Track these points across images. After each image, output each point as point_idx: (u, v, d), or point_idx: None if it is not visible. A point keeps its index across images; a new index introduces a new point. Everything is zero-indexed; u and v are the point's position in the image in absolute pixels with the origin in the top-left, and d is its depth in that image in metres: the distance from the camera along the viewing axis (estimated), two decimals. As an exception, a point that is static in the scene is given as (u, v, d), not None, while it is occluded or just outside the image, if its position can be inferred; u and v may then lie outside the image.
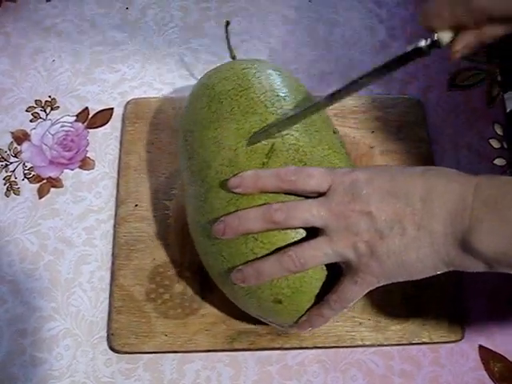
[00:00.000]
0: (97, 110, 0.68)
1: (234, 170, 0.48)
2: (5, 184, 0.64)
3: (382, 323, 0.57)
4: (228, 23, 0.60)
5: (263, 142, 0.48)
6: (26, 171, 0.65)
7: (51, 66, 0.71)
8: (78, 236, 0.62)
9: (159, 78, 0.70)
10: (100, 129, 0.67)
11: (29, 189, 0.64)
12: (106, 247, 0.61)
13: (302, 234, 0.46)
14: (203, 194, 0.49)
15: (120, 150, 0.65)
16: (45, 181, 0.64)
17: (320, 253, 0.45)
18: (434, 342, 0.56)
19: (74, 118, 0.68)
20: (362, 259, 0.44)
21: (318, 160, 0.48)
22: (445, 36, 0.44)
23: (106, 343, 0.57)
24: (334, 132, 0.53)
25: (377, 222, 0.43)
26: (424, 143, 0.65)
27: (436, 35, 0.43)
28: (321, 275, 0.47)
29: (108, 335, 0.57)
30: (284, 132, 0.49)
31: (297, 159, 0.48)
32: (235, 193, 0.47)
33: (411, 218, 0.43)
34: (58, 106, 0.69)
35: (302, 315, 0.48)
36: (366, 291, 0.46)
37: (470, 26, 0.45)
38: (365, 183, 0.44)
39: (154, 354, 0.56)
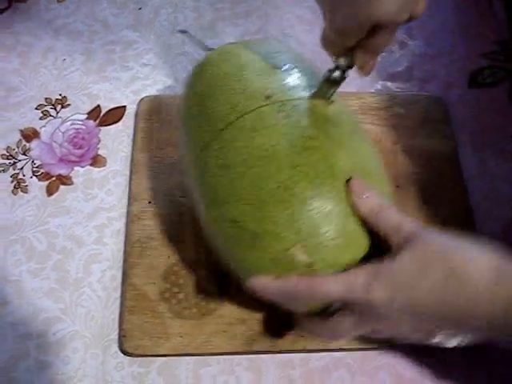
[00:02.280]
0: (109, 108, 0.66)
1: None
2: (12, 181, 0.62)
3: (410, 324, 0.53)
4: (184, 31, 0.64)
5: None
6: (34, 169, 0.63)
7: (62, 65, 0.70)
8: (89, 234, 0.59)
9: (173, 76, 0.69)
10: (112, 126, 0.65)
11: (37, 186, 0.61)
12: (118, 245, 0.58)
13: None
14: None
15: (132, 148, 0.63)
16: (54, 178, 0.62)
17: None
18: (465, 345, 0.53)
19: (86, 115, 0.66)
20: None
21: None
22: (341, 61, 0.46)
23: (116, 345, 0.53)
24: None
25: (406, 332, 0.43)
26: (449, 140, 0.63)
27: (335, 62, 0.46)
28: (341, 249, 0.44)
29: (119, 337, 0.54)
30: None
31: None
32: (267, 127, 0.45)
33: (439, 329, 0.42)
34: (69, 104, 0.67)
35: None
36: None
37: (358, 46, 0.45)
38: (384, 307, 0.41)
39: (168, 357, 0.53)
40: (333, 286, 0.41)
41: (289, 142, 0.45)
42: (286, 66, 0.50)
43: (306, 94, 0.48)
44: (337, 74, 0.46)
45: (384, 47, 0.46)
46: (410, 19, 0.43)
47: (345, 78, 0.47)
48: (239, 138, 0.46)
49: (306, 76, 0.50)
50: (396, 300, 0.40)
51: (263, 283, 0.44)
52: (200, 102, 0.52)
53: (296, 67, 0.51)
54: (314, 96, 0.48)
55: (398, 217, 0.43)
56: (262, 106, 0.47)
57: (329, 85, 0.47)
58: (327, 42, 0.46)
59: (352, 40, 0.44)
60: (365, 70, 0.47)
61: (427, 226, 0.43)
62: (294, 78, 0.49)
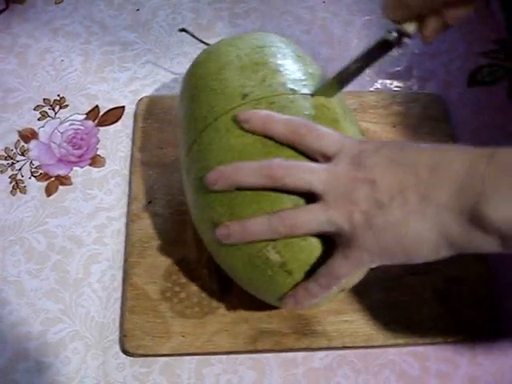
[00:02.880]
0: (107, 108, 0.66)
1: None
2: (11, 182, 0.61)
3: (414, 321, 0.53)
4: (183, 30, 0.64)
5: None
6: (33, 169, 0.62)
7: (60, 66, 0.69)
8: (88, 234, 0.58)
9: (172, 76, 0.68)
10: (111, 126, 0.65)
11: (36, 187, 0.61)
12: (118, 245, 0.57)
13: (299, 201, 0.42)
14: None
15: (132, 148, 0.63)
16: (53, 179, 0.61)
17: (312, 218, 0.41)
18: (471, 340, 0.53)
19: (84, 116, 0.66)
20: (356, 231, 0.40)
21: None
22: (409, 27, 0.44)
23: (118, 346, 0.53)
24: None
25: (378, 191, 0.39)
26: (449, 139, 0.63)
27: (401, 26, 0.44)
28: (314, 247, 0.43)
29: (120, 337, 0.53)
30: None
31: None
32: (242, 128, 0.44)
33: (415, 188, 0.39)
34: (67, 105, 0.66)
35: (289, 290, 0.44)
36: (357, 269, 0.42)
37: (431, 13, 0.44)
38: (372, 152, 0.41)
39: (170, 357, 0.52)
40: (328, 131, 0.43)
41: (261, 142, 0.44)
42: (270, 61, 0.49)
43: (284, 89, 0.47)
44: (394, 35, 0.44)
45: (459, 20, 0.45)
46: None
47: (401, 44, 0.45)
48: (215, 140, 0.46)
49: (289, 70, 0.49)
50: (385, 149, 0.41)
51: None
52: (187, 105, 0.51)
53: (280, 61, 0.50)
54: (338, 76, 0.48)
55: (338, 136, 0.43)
56: (237, 106, 0.46)
57: (379, 48, 0.45)
58: (401, 5, 0.43)
59: (436, 3, 0.43)
60: (431, 39, 0.45)
61: None
62: (275, 74, 0.48)
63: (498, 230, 0.36)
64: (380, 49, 0.45)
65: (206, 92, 0.49)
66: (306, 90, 0.47)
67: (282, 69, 0.49)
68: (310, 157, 0.43)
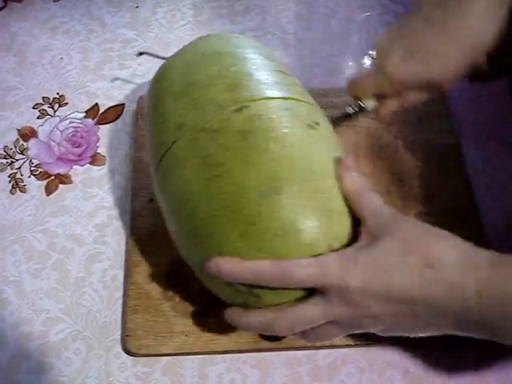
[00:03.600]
0: (107, 106, 0.66)
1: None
2: (10, 181, 0.61)
3: (418, 319, 0.53)
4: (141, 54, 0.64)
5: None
6: (32, 168, 0.62)
7: (59, 64, 0.69)
8: (89, 233, 0.58)
9: (171, 74, 0.68)
10: (111, 124, 0.65)
11: (36, 186, 0.61)
12: (119, 244, 0.57)
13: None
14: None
15: (132, 145, 0.62)
16: (53, 177, 0.61)
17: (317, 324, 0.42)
18: (475, 338, 0.52)
19: (84, 114, 0.65)
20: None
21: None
22: (369, 104, 0.52)
23: (120, 346, 0.52)
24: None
25: (381, 323, 0.41)
26: (451, 135, 0.62)
27: (362, 103, 0.52)
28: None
29: (122, 337, 0.53)
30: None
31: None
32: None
33: (417, 319, 0.40)
34: (67, 103, 0.66)
35: None
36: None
37: (391, 95, 0.50)
38: (360, 293, 0.40)
39: (172, 357, 0.52)
40: (308, 269, 0.40)
41: (198, 176, 0.43)
42: (205, 82, 0.47)
43: (221, 112, 0.44)
44: (354, 110, 0.53)
45: (411, 104, 0.51)
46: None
47: (358, 115, 0.54)
48: (164, 180, 0.46)
49: (222, 90, 0.46)
50: (373, 284, 0.39)
51: (230, 264, 0.41)
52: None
53: (217, 79, 0.47)
54: None
55: (379, 202, 0.43)
56: (174, 142, 0.45)
57: (343, 118, 0.53)
58: (364, 84, 0.50)
59: (400, 89, 0.49)
60: (386, 119, 0.53)
61: (405, 216, 0.43)
62: (208, 96, 0.46)
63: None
64: (343, 117, 0.54)
65: (153, 124, 0.49)
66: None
67: (216, 89, 0.46)
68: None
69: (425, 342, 0.52)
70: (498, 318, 0.38)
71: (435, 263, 0.39)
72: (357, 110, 0.51)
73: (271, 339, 0.51)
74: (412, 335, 0.43)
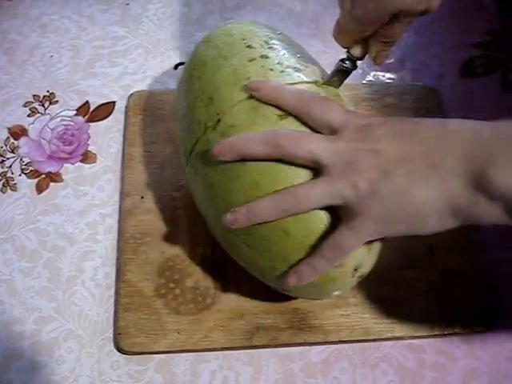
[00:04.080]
0: (98, 104, 0.65)
1: None
2: (1, 180, 0.60)
3: (410, 314, 0.53)
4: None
5: None
6: (23, 166, 0.61)
7: (49, 62, 0.68)
8: (80, 232, 0.57)
9: (163, 71, 0.68)
10: (102, 122, 0.64)
11: (26, 184, 0.60)
12: (111, 242, 0.57)
13: (305, 176, 0.42)
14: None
15: (123, 143, 0.62)
16: (44, 176, 0.61)
17: (318, 193, 0.40)
18: (467, 333, 0.52)
19: (74, 112, 0.65)
20: (361, 200, 0.39)
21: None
22: (355, 51, 0.48)
23: (112, 344, 0.52)
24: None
25: (384, 159, 0.39)
26: (442, 129, 0.62)
27: (349, 52, 0.48)
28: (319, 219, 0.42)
29: (115, 335, 0.52)
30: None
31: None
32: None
33: (422, 157, 0.39)
34: (57, 101, 0.65)
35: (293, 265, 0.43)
36: (364, 241, 0.41)
37: (371, 36, 0.46)
38: (378, 125, 0.41)
39: (165, 354, 0.52)
40: (335, 106, 0.43)
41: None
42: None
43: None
44: (348, 63, 0.48)
45: (399, 37, 0.47)
46: (425, 12, 0.44)
47: (356, 67, 0.48)
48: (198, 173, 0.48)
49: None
50: (394, 121, 0.41)
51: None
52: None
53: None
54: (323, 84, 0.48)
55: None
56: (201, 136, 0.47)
57: (339, 75, 0.48)
58: (342, 32, 0.47)
59: (370, 29, 0.45)
60: (379, 60, 0.48)
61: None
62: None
63: (503, 197, 0.37)
64: (341, 75, 0.49)
65: (183, 121, 0.50)
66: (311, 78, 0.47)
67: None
68: (316, 130, 0.43)
69: (417, 337, 0.52)
70: (506, 144, 0.37)
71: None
72: (347, 62, 0.48)
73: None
74: (404, 203, 0.39)
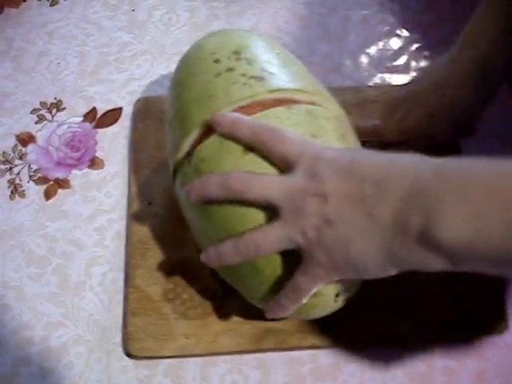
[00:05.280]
0: (105, 110, 0.66)
1: None
2: (9, 187, 0.61)
3: (419, 317, 0.52)
4: None
5: None
6: (31, 173, 0.62)
7: (56, 69, 0.69)
8: (89, 237, 0.58)
9: (169, 76, 0.67)
10: (109, 128, 0.64)
11: (35, 191, 0.61)
12: (119, 248, 0.57)
13: (261, 218, 0.42)
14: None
15: (130, 148, 0.62)
16: (52, 182, 0.61)
17: (274, 238, 0.41)
18: (477, 335, 0.52)
19: (81, 118, 0.65)
20: (310, 247, 0.40)
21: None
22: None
23: (121, 349, 0.52)
24: None
25: (328, 207, 0.39)
26: (449, 131, 0.62)
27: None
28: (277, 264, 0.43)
29: (123, 340, 0.53)
30: None
31: None
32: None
33: (361, 205, 0.38)
34: (65, 108, 0.66)
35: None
36: (317, 285, 0.42)
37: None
38: (327, 163, 0.40)
39: (174, 359, 0.52)
40: (290, 137, 0.43)
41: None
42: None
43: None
44: None
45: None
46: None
47: None
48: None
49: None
50: (341, 158, 0.40)
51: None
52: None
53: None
54: None
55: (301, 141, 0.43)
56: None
57: None
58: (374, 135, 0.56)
59: (402, 138, 0.56)
60: None
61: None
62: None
63: (446, 250, 0.36)
64: None
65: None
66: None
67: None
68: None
69: (427, 340, 0.52)
70: (448, 191, 0.35)
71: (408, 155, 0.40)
72: None
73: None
74: (349, 250, 0.39)
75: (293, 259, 0.42)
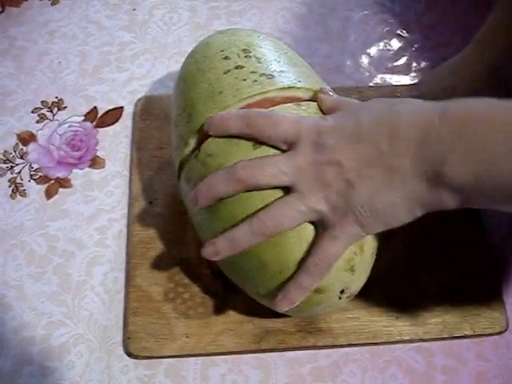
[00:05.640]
0: (106, 110, 0.66)
1: None
2: (10, 186, 0.61)
3: (419, 317, 0.52)
4: None
5: None
6: (32, 172, 0.62)
7: (57, 68, 0.69)
8: (90, 237, 0.58)
9: (170, 75, 0.68)
10: (110, 128, 0.64)
11: (36, 190, 0.61)
12: (120, 247, 0.57)
13: (277, 194, 0.42)
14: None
15: (132, 148, 0.62)
16: (53, 181, 0.61)
17: (294, 211, 0.41)
18: (477, 335, 0.52)
19: (83, 117, 0.65)
20: (336, 211, 0.40)
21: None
22: None
23: (122, 348, 0.52)
24: None
25: (345, 170, 0.40)
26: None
27: None
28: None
29: (124, 339, 0.53)
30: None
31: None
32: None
33: (378, 160, 0.39)
34: (66, 107, 0.66)
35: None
36: (348, 245, 0.42)
37: None
38: (330, 133, 0.41)
39: (174, 358, 0.52)
40: (284, 118, 0.43)
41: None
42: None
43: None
44: None
45: None
46: None
47: None
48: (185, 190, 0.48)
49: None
50: (343, 123, 0.41)
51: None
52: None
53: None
54: None
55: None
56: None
57: None
58: None
59: None
60: None
61: None
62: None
63: (461, 189, 0.38)
64: None
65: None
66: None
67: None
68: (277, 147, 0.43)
69: (427, 340, 0.52)
70: (456, 138, 0.37)
71: (403, 100, 0.42)
72: None
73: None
74: (374, 198, 0.40)
75: (305, 248, 0.42)
